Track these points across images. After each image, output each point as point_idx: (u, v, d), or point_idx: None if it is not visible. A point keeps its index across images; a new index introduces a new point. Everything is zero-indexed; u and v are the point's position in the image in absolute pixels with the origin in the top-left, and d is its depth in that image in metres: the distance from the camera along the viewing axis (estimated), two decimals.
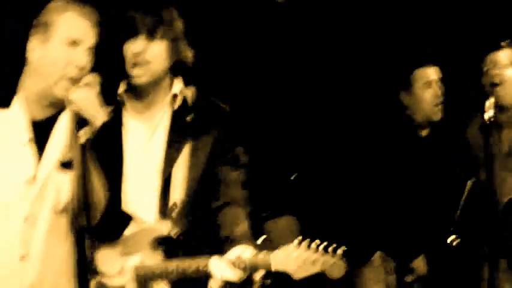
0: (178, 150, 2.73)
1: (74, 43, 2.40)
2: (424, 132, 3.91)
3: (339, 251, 2.45)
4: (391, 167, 3.84)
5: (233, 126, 2.88)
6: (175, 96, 2.79)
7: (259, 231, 4.59)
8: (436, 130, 3.91)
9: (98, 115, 2.29)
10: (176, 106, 2.78)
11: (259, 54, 5.09)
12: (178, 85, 2.81)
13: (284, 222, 4.76)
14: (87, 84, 2.34)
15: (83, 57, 2.40)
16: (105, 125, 2.33)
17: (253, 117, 4.85)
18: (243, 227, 2.73)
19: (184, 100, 2.81)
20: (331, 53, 5.19)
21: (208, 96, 2.87)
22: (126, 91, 2.77)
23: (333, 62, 5.18)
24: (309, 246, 2.46)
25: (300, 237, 2.49)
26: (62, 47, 2.39)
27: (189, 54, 2.78)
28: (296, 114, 5.24)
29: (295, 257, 2.46)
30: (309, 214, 4.80)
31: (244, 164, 2.85)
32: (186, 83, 2.86)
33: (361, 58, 5.16)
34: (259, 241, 4.55)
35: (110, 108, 2.45)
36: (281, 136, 5.25)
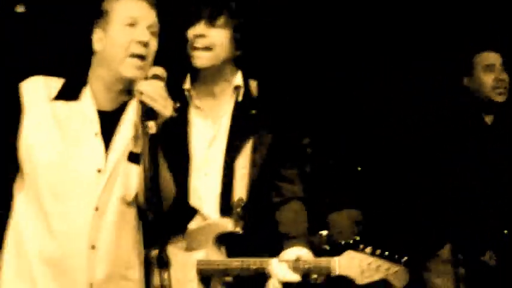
0: (241, 145, 2.73)
1: (133, 23, 2.43)
2: (488, 119, 3.84)
3: (403, 260, 2.42)
4: (457, 155, 3.78)
5: (296, 120, 2.87)
6: (237, 88, 2.79)
7: (322, 223, 4.58)
8: (502, 117, 3.84)
9: (166, 106, 2.30)
10: (240, 98, 2.78)
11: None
12: (240, 77, 2.81)
13: (347, 215, 4.73)
14: (154, 76, 2.35)
15: (143, 33, 2.43)
16: (172, 121, 2.33)
17: (315, 110, 4.83)
18: (301, 225, 2.73)
19: (248, 93, 2.80)
20: (390, 39, 5.14)
21: (271, 90, 2.86)
22: (191, 85, 2.78)
23: (393, 49, 5.13)
24: (373, 253, 2.44)
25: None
26: (122, 28, 2.43)
27: (250, 48, 2.79)
28: (358, 107, 5.20)
29: (359, 262, 2.44)
30: (374, 207, 4.76)
31: (308, 158, 2.84)
32: (247, 77, 2.86)
33: (423, 43, 5.09)
34: (323, 233, 4.54)
35: (176, 104, 2.46)
36: (343, 129, 5.22)
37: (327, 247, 4.51)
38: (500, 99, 3.77)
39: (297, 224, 2.73)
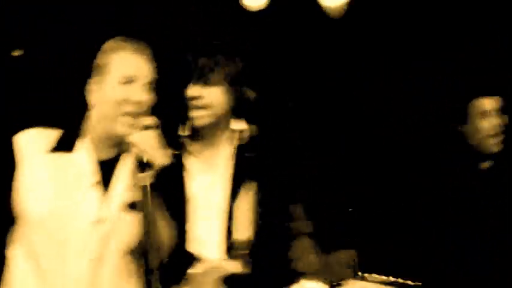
0: (241, 188, 2.73)
1: (129, 81, 2.43)
2: (485, 165, 3.84)
3: (409, 283, 2.43)
4: (453, 200, 3.78)
5: (297, 160, 2.89)
6: (235, 132, 2.81)
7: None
8: (498, 163, 3.83)
9: (159, 157, 2.31)
10: (237, 143, 2.80)
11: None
12: (238, 122, 2.83)
13: (344, 255, 4.74)
14: (147, 126, 2.36)
15: (139, 93, 2.42)
16: (167, 168, 2.35)
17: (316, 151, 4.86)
18: (311, 258, 2.73)
19: (244, 135, 2.83)
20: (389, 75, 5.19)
21: (269, 132, 2.88)
22: (186, 131, 2.80)
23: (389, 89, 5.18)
24: (381, 280, 2.45)
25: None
26: (118, 85, 2.42)
27: (250, 95, 2.80)
28: (359, 148, 5.23)
29: None
30: (371, 247, 4.76)
31: (308, 196, 2.85)
32: (247, 119, 2.88)
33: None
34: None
35: (171, 151, 2.47)
36: (341, 173, 5.24)
37: None
38: (495, 148, 3.75)
39: (307, 258, 2.75)
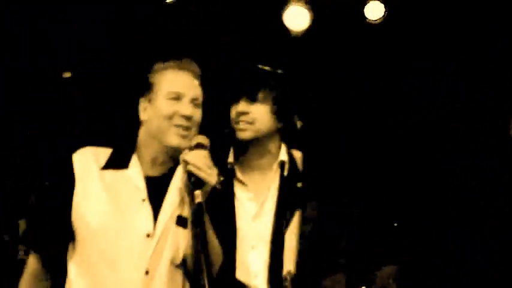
0: (289, 218, 2.75)
1: (176, 97, 2.52)
2: None
3: None
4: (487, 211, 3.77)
5: (343, 190, 2.90)
6: (283, 163, 2.82)
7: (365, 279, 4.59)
8: None
9: (211, 174, 2.38)
10: (285, 173, 2.81)
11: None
12: (285, 151, 2.84)
13: (388, 271, 4.75)
14: (198, 145, 2.45)
15: (186, 107, 2.52)
16: (217, 195, 2.40)
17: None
18: None
19: (293, 166, 2.83)
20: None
21: (316, 160, 2.89)
22: (234, 159, 2.83)
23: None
24: None
25: None
26: (167, 101, 2.52)
27: (296, 121, 2.84)
28: (401, 166, 5.22)
29: None
30: (416, 262, 4.76)
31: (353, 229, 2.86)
32: (290, 147, 2.89)
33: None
34: None
35: (220, 178, 2.48)
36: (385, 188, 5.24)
37: None
38: None
39: None
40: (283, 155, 2.83)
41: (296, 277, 2.69)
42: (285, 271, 2.69)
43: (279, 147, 2.84)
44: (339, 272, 2.80)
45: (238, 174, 2.82)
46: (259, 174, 2.82)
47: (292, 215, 2.75)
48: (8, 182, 5.08)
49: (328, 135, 4.78)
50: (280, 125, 2.80)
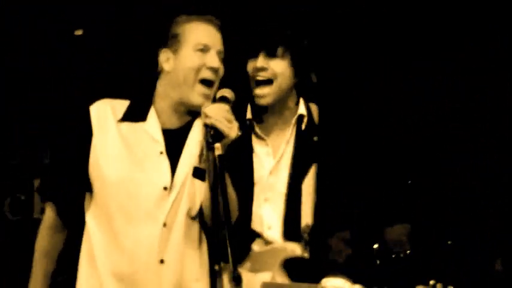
0: (305, 172, 2.76)
1: (204, 48, 2.52)
2: None
3: None
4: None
5: (359, 142, 2.90)
6: (301, 116, 2.82)
7: (377, 236, 4.61)
8: None
9: (232, 128, 2.37)
10: (303, 127, 2.81)
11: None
12: (303, 105, 2.83)
13: (400, 229, 4.76)
14: (222, 98, 2.44)
15: (214, 59, 2.52)
16: (235, 148, 2.39)
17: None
18: (346, 252, 2.75)
19: (310, 120, 2.83)
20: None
21: (331, 114, 2.89)
22: (252, 115, 2.82)
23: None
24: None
25: None
26: (194, 53, 2.52)
27: (312, 75, 2.83)
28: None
29: None
30: (427, 222, 4.76)
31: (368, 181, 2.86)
32: (307, 100, 2.89)
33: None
34: (375, 246, 4.57)
35: (239, 132, 2.47)
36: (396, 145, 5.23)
37: (377, 261, 4.54)
38: None
39: (343, 253, 2.77)
40: (302, 109, 2.82)
41: (314, 229, 2.71)
42: (303, 224, 2.71)
43: (296, 102, 2.84)
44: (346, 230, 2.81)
45: (257, 129, 2.82)
46: (277, 129, 2.82)
47: (308, 169, 2.76)
48: (22, 141, 5.11)
49: (343, 90, 4.75)
50: (296, 80, 2.78)
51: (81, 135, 2.53)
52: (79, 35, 4.65)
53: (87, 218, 2.53)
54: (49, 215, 2.60)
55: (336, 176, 2.78)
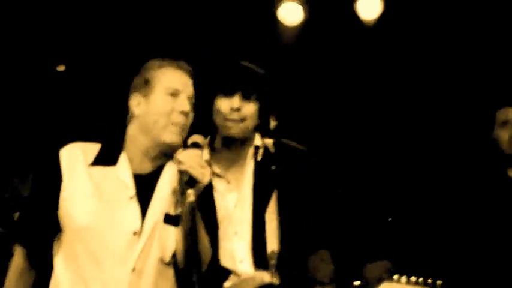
0: (267, 200, 2.80)
1: (175, 93, 2.55)
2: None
3: (438, 282, 2.42)
4: (478, 207, 3.79)
5: (317, 169, 2.94)
6: (257, 148, 2.87)
7: (357, 273, 4.61)
8: None
9: (204, 174, 2.40)
10: (259, 157, 2.86)
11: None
12: (259, 137, 2.90)
13: (381, 266, 4.76)
14: (194, 144, 2.46)
15: (184, 103, 2.55)
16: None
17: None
18: (328, 268, 2.79)
19: (266, 150, 2.88)
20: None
21: (285, 142, 2.95)
22: (210, 154, 2.86)
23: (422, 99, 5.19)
24: (408, 281, 2.45)
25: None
26: (165, 97, 2.54)
27: (272, 121, 2.89)
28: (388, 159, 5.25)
29: None
30: (407, 258, 4.78)
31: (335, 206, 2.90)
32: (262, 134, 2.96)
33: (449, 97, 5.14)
34: (356, 283, 4.57)
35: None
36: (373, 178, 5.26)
37: None
38: None
39: (325, 269, 2.79)
40: (257, 141, 2.89)
41: (280, 255, 2.74)
42: (268, 251, 2.74)
43: (254, 136, 2.91)
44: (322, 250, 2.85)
45: (215, 169, 2.85)
46: (236, 164, 2.86)
47: (269, 197, 2.80)
48: (4, 174, 5.09)
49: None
50: (259, 122, 2.85)
51: (50, 179, 2.52)
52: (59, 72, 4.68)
53: (56, 261, 2.51)
54: (17, 258, 2.58)
55: (296, 203, 2.83)
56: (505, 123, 3.78)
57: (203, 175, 2.38)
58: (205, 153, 2.84)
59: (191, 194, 2.32)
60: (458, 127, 5.00)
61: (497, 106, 3.85)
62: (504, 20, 4.91)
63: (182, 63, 2.64)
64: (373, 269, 4.71)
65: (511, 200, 3.72)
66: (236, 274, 2.74)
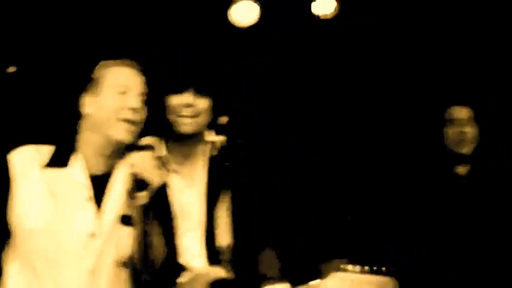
0: (219, 196, 2.82)
1: (124, 90, 2.53)
2: (460, 170, 3.92)
3: (391, 270, 2.45)
4: (426, 204, 3.87)
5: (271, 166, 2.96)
6: (212, 144, 2.90)
7: (315, 273, 4.61)
8: (476, 169, 3.91)
9: (157, 177, 2.41)
10: (214, 153, 2.88)
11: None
12: (211, 134, 2.92)
13: (337, 265, 4.77)
14: (145, 146, 2.46)
15: (134, 100, 2.53)
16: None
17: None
18: (274, 263, 2.80)
19: (219, 148, 2.91)
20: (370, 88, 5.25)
21: (238, 141, 2.98)
22: (167, 148, 2.86)
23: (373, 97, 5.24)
24: (362, 270, 2.47)
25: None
26: (114, 94, 2.53)
27: (223, 118, 2.94)
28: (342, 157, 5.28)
29: (351, 279, 2.46)
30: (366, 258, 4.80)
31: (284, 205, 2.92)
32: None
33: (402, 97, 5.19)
34: (313, 283, 4.56)
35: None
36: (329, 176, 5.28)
37: None
38: (464, 150, 3.86)
39: (275, 266, 2.82)
40: (210, 137, 2.91)
41: (234, 250, 2.77)
42: (221, 246, 2.76)
43: (207, 132, 2.92)
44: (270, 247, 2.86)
45: (171, 165, 2.84)
46: (190, 161, 2.87)
47: (222, 192, 2.82)
48: None
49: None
50: (211, 118, 2.86)
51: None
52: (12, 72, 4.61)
53: (9, 267, 2.47)
54: None
55: (249, 199, 2.85)
56: (451, 121, 3.90)
57: (154, 177, 2.39)
58: (162, 150, 2.84)
59: (142, 197, 2.32)
60: (408, 125, 5.07)
61: (446, 105, 3.97)
62: (455, 19, 4.98)
63: (131, 61, 2.63)
64: (328, 268, 4.73)
65: (457, 195, 3.87)
66: (190, 270, 2.73)
